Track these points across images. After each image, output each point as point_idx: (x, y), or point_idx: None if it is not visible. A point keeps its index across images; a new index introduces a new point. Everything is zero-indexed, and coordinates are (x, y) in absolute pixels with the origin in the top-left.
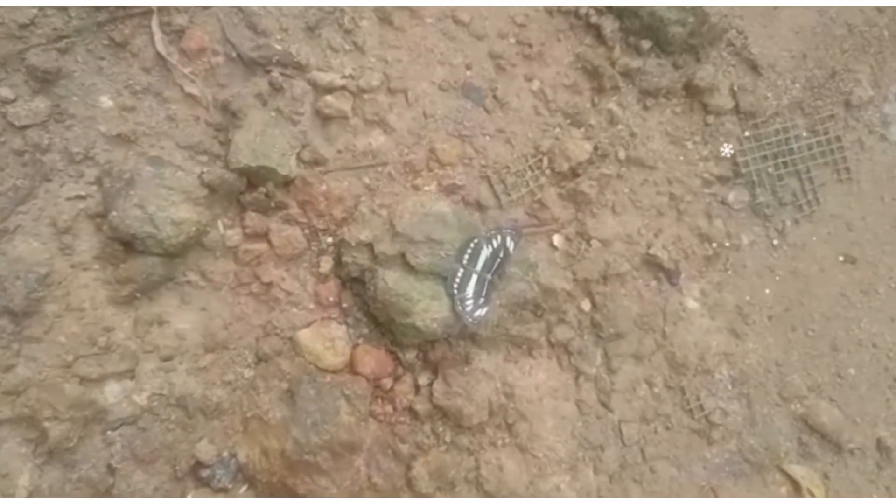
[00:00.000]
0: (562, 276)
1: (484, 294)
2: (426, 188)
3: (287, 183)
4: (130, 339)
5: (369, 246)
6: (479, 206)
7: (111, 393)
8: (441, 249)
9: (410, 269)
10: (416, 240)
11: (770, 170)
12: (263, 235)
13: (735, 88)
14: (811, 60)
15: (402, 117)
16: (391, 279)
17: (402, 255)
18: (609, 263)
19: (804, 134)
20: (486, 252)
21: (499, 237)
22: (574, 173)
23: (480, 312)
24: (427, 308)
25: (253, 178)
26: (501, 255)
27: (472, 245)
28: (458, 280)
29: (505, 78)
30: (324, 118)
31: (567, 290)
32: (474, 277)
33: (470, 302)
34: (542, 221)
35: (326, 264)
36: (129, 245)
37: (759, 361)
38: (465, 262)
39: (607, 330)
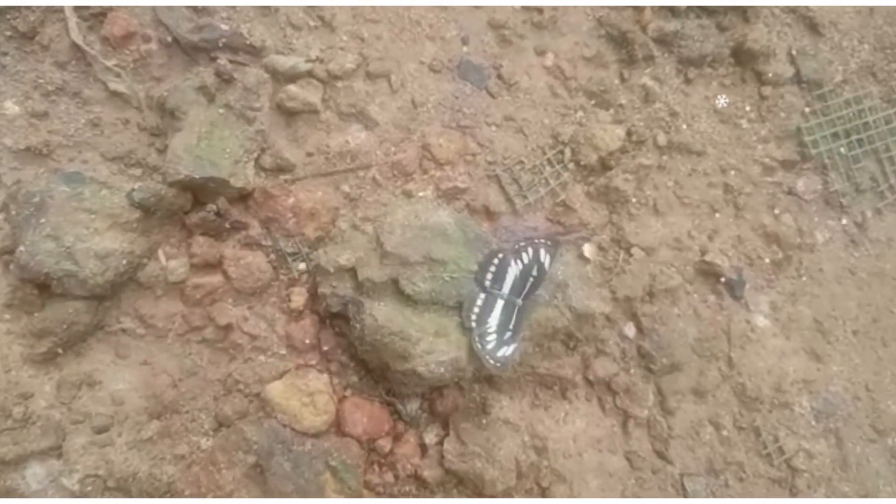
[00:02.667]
0: (598, 295)
1: (512, 326)
2: (421, 194)
3: (244, 197)
4: (54, 406)
5: (352, 272)
6: (489, 213)
7: (33, 477)
8: (444, 271)
9: (406, 298)
10: (411, 261)
11: (843, 150)
12: (216, 265)
13: (793, 52)
14: (879, 15)
15: (386, 108)
16: (381, 314)
17: (395, 282)
18: (655, 276)
19: (880, 104)
20: (514, 270)
21: (530, 251)
22: (604, 166)
23: (506, 352)
24: (430, 348)
25: (199, 192)
26: (535, 273)
27: (496, 261)
28: (477, 308)
29: (511, 52)
30: (287, 113)
31: (605, 314)
32: (499, 304)
33: (492, 338)
34: (568, 228)
35: (299, 298)
36: (44, 287)
37: (846, 387)
38: (487, 283)
39: (659, 361)
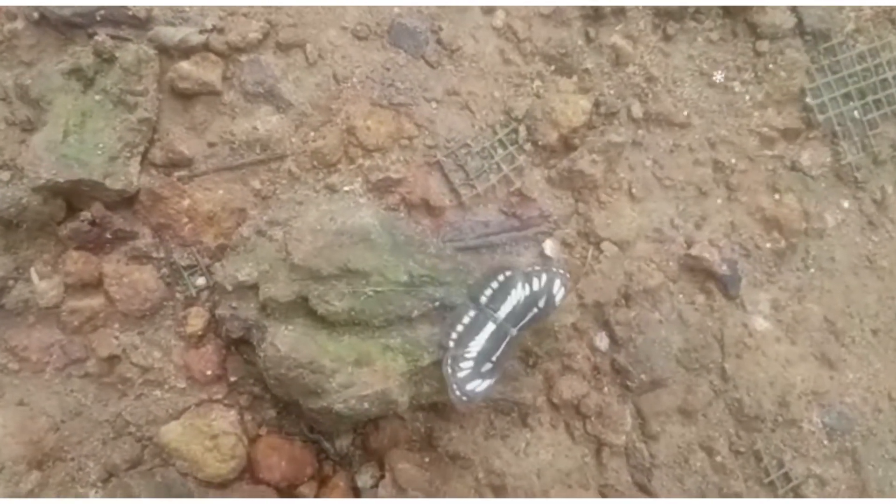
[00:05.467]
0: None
1: (495, 358)
2: (347, 188)
3: (129, 200)
4: None
5: (255, 289)
6: (430, 208)
7: None
8: (367, 285)
9: (320, 320)
10: (323, 274)
11: (856, 113)
12: (96, 284)
13: None
14: None
15: (302, 85)
16: (286, 342)
17: (304, 300)
18: (632, 275)
19: None
20: (518, 294)
21: (543, 278)
22: (567, 145)
23: (478, 387)
24: (349, 381)
25: (73, 198)
26: (541, 304)
27: (500, 278)
28: (461, 327)
29: (452, 12)
30: (182, 97)
31: (572, 323)
32: (489, 328)
33: (468, 365)
34: (525, 222)
35: (198, 320)
36: None
37: (865, 398)
38: (483, 300)
39: (637, 377)
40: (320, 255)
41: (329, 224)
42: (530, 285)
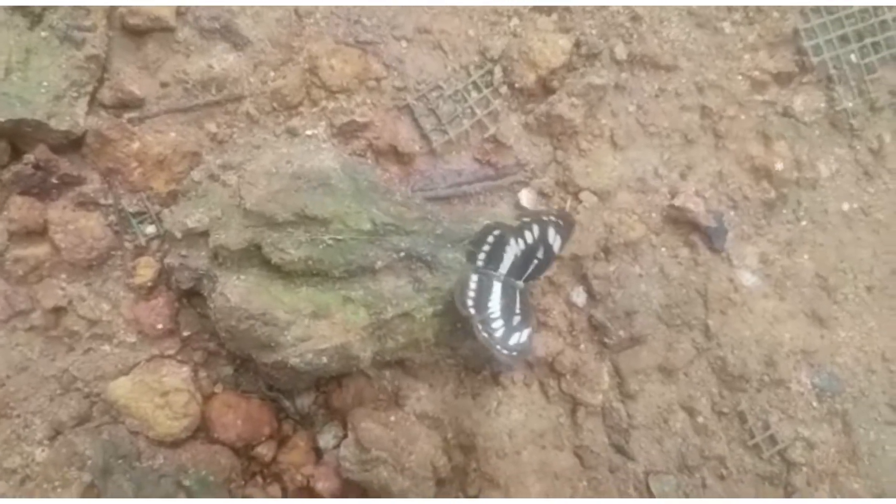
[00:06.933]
0: None
1: (518, 309)
2: (309, 132)
3: (76, 143)
4: None
5: (205, 236)
6: (398, 155)
7: None
8: (326, 233)
9: (274, 270)
10: (278, 220)
11: (853, 57)
12: (41, 232)
13: None
14: None
15: (261, 20)
16: (236, 292)
17: (258, 249)
18: (612, 228)
19: None
20: (514, 249)
21: (535, 229)
22: (546, 88)
23: (520, 338)
24: (306, 334)
25: (16, 140)
26: (540, 255)
27: (490, 239)
28: (472, 293)
29: None
30: (134, 34)
31: (547, 277)
32: (496, 287)
33: (500, 325)
34: (501, 170)
35: (147, 270)
36: None
37: (858, 358)
38: (480, 263)
39: (616, 333)
40: (275, 199)
41: (285, 167)
42: (524, 239)
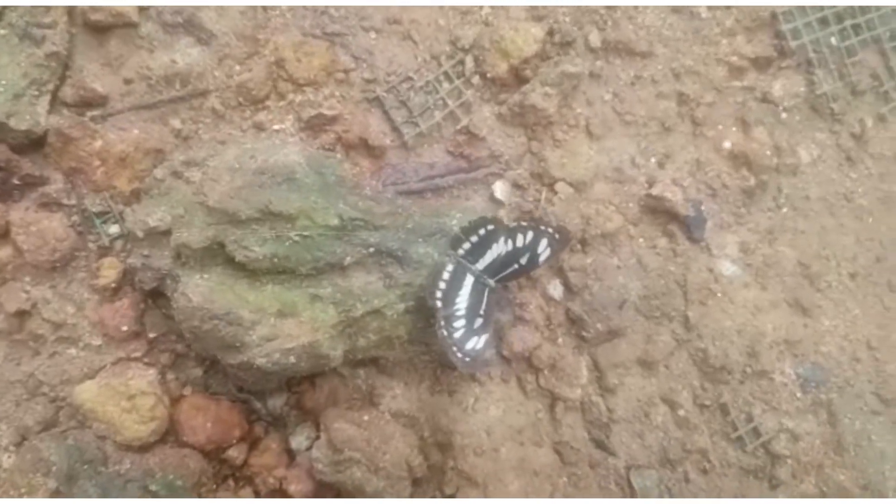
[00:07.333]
0: None
1: (482, 311)
2: (277, 126)
3: (37, 143)
4: None
5: (168, 235)
6: (369, 149)
7: None
8: (292, 229)
9: (239, 268)
10: (242, 217)
11: (833, 40)
12: (3, 234)
13: None
14: None
15: (225, 13)
16: (198, 292)
17: (221, 247)
18: (588, 219)
19: None
20: (500, 248)
21: (529, 235)
22: (519, 78)
23: (477, 344)
24: (272, 333)
25: None
26: (523, 261)
27: (482, 231)
28: (444, 283)
29: None
30: (94, 29)
31: None
32: (468, 282)
33: (462, 325)
34: (474, 163)
35: (110, 271)
36: None
37: (843, 347)
38: (462, 251)
39: (593, 326)
40: (238, 196)
41: (249, 162)
42: (513, 241)
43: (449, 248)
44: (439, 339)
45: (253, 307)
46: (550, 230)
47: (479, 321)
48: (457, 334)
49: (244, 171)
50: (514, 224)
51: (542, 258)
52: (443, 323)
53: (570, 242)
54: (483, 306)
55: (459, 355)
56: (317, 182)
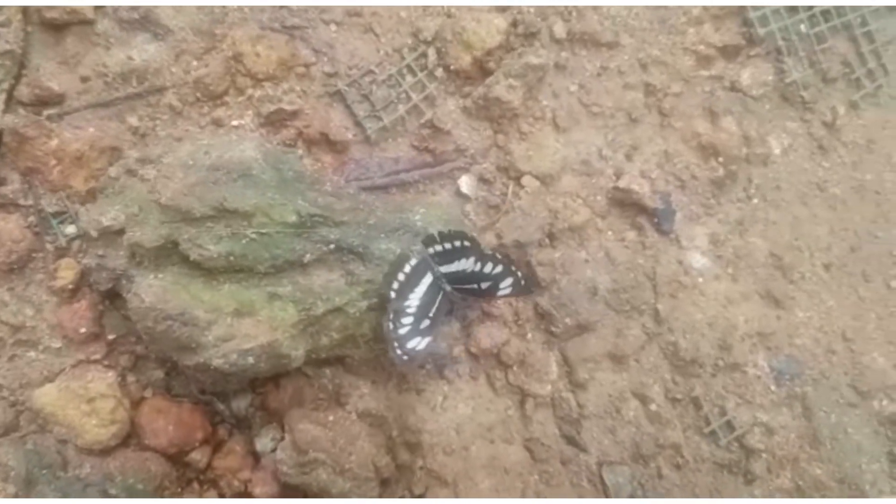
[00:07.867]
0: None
1: (432, 313)
2: (236, 122)
3: None
4: None
5: (122, 235)
6: (331, 144)
7: None
8: (249, 226)
9: (195, 268)
10: (196, 215)
11: (803, 27)
12: None
13: None
14: None
15: (182, 9)
16: (151, 291)
17: (175, 246)
18: (556, 212)
19: None
20: (467, 264)
21: (499, 269)
22: (482, 70)
23: (418, 344)
24: (229, 333)
25: None
26: (483, 286)
27: (458, 243)
28: (403, 276)
29: None
30: (50, 27)
31: None
32: (426, 280)
33: (409, 322)
34: (440, 157)
35: (67, 272)
36: None
37: (817, 339)
38: (432, 251)
39: (562, 321)
40: (191, 193)
41: (203, 159)
42: (482, 265)
43: (420, 243)
44: (384, 330)
45: (208, 307)
46: (520, 274)
47: (426, 322)
48: (402, 330)
49: (198, 167)
50: (490, 252)
51: (501, 292)
52: (391, 316)
53: (532, 295)
54: (434, 309)
55: (399, 352)
56: (274, 178)
